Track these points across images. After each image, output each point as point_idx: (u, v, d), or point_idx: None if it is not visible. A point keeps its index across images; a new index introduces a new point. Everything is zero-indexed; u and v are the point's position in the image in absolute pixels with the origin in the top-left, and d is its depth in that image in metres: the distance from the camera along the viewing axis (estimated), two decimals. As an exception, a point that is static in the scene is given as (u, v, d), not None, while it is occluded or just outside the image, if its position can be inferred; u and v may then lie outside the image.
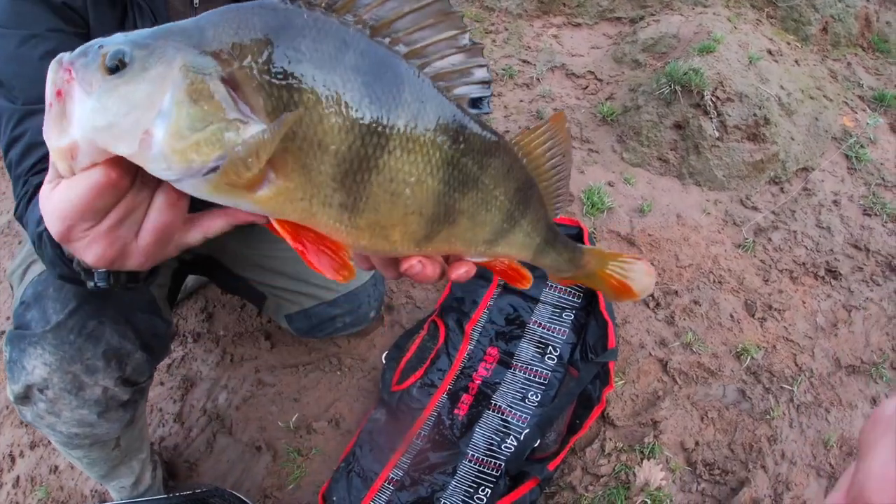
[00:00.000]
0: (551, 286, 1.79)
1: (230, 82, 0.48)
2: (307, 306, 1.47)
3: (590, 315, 1.71)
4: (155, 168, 0.48)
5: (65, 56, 0.49)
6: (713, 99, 2.23)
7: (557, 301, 1.76)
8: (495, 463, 1.49)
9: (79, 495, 1.71)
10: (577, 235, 1.80)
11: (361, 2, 0.51)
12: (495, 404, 1.58)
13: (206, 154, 0.47)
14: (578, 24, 2.85)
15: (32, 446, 1.83)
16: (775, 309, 1.87)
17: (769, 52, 2.56)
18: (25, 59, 0.92)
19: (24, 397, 1.08)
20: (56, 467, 1.77)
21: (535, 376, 1.63)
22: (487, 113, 0.59)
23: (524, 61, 2.65)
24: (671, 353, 1.75)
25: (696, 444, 1.60)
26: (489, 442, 1.53)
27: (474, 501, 1.43)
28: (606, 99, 2.46)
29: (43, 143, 0.72)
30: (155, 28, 0.50)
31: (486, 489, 1.45)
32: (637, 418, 1.63)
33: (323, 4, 0.51)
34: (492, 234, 0.66)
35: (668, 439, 1.59)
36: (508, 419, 1.56)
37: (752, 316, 1.85)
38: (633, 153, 2.29)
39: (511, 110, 2.46)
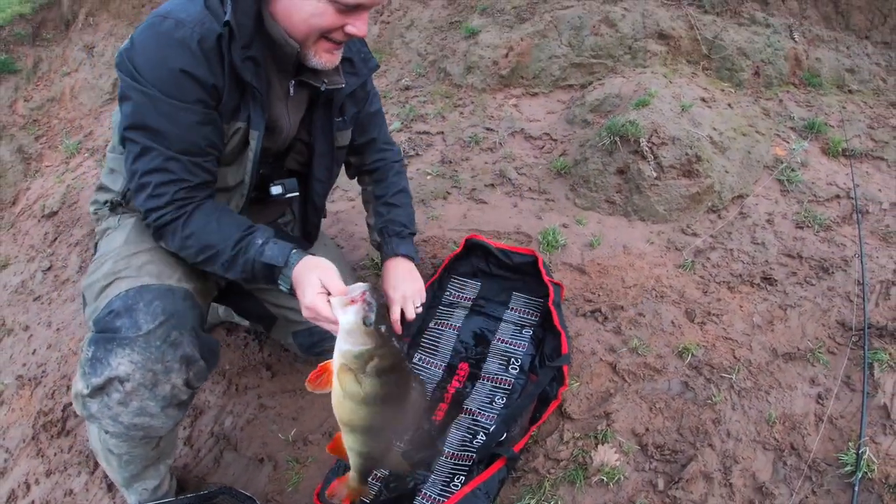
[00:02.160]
0: (512, 308, 2.19)
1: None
2: (312, 325, 1.90)
3: (546, 331, 2.08)
4: (346, 340, 1.22)
5: (360, 296, 1.23)
6: (649, 145, 2.66)
7: (518, 320, 2.15)
8: (468, 455, 1.83)
9: None
10: (533, 263, 2.21)
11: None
12: (467, 408, 1.94)
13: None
14: (535, 94, 3.36)
15: (48, 474, 2.15)
16: (714, 314, 2.22)
17: (703, 99, 3.02)
18: (181, 121, 1.39)
19: (100, 388, 1.43)
20: (71, 491, 2.08)
21: (500, 384, 1.99)
22: None
23: (488, 129, 3.14)
24: (620, 357, 2.10)
25: (647, 429, 1.92)
26: (462, 439, 1.87)
27: (450, 488, 1.76)
28: (560, 155, 2.91)
29: (185, 181, 1.46)
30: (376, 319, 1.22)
31: (461, 477, 1.78)
32: (591, 412, 1.96)
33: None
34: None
35: (620, 427, 1.91)
36: (478, 419, 1.91)
37: (692, 321, 2.20)
38: (584, 198, 2.72)
39: (477, 171, 2.93)
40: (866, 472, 1.75)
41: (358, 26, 1.40)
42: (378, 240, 1.98)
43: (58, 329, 2.72)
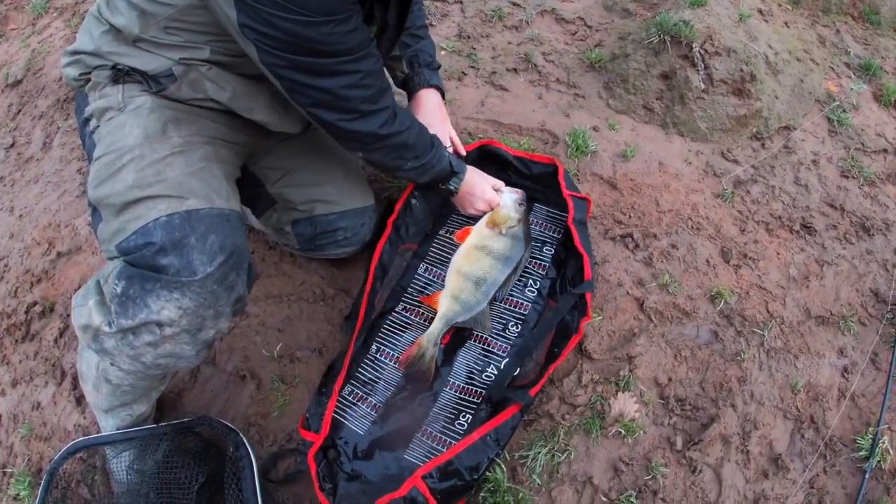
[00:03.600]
0: (532, 221, 1.86)
1: None
2: (315, 214, 1.64)
3: (569, 251, 1.77)
4: (503, 208, 1.71)
5: (520, 192, 1.75)
6: (701, 51, 2.29)
7: (537, 235, 1.83)
8: (476, 391, 1.56)
9: (62, 431, 1.75)
10: (553, 173, 1.86)
11: None
12: (477, 334, 1.65)
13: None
14: (569, -29, 2.88)
15: (14, 384, 1.87)
16: (750, 258, 1.97)
17: (759, 11, 2.64)
18: (350, 28, 1.18)
19: (128, 330, 1.14)
20: (38, 403, 1.81)
21: (515, 307, 1.70)
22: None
23: (514, 4, 2.67)
24: (648, 292, 1.83)
25: (669, 380, 1.69)
26: (470, 370, 1.60)
27: (455, 427, 1.50)
28: (595, 45, 2.51)
29: (378, 72, 1.34)
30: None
31: (468, 415, 1.51)
32: (613, 353, 1.71)
33: None
34: None
35: (642, 374, 1.67)
36: (489, 348, 1.63)
37: (728, 262, 1.94)
38: (619, 100, 2.35)
39: (499, 52, 2.50)
40: (879, 462, 1.64)
41: None
42: (406, 72, 1.76)
43: (21, 215, 2.29)
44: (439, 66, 1.83)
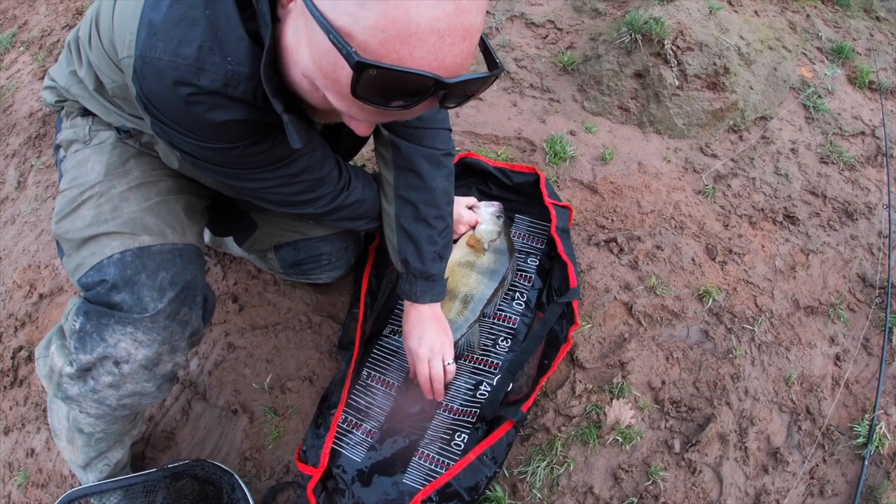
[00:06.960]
0: (515, 234, 1.91)
1: None
2: (297, 238, 1.66)
3: (553, 260, 1.82)
4: (483, 222, 1.82)
5: (498, 204, 1.86)
6: (673, 48, 2.36)
7: (521, 247, 1.88)
8: (471, 410, 1.59)
9: (58, 476, 1.77)
10: (534, 183, 1.92)
11: None
12: (467, 353, 1.69)
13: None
14: (536, -26, 2.94)
15: (7, 432, 1.89)
16: (735, 253, 2.02)
17: (729, 2, 2.71)
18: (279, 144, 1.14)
19: (87, 369, 1.19)
20: (32, 450, 1.83)
21: (503, 322, 1.74)
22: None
23: (481, 10, 2.73)
24: (636, 296, 1.88)
25: (663, 383, 1.74)
26: (463, 390, 1.63)
27: (451, 447, 1.53)
28: (567, 48, 2.56)
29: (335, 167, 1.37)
30: None
31: (463, 435, 1.55)
32: (605, 360, 1.75)
33: None
34: None
35: (635, 379, 1.72)
36: (480, 366, 1.67)
37: (713, 259, 2.00)
38: (594, 102, 2.41)
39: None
40: (878, 447, 1.69)
41: (358, 122, 0.98)
42: (401, 271, 1.58)
43: (-1, 258, 2.31)
44: (443, 269, 1.59)
